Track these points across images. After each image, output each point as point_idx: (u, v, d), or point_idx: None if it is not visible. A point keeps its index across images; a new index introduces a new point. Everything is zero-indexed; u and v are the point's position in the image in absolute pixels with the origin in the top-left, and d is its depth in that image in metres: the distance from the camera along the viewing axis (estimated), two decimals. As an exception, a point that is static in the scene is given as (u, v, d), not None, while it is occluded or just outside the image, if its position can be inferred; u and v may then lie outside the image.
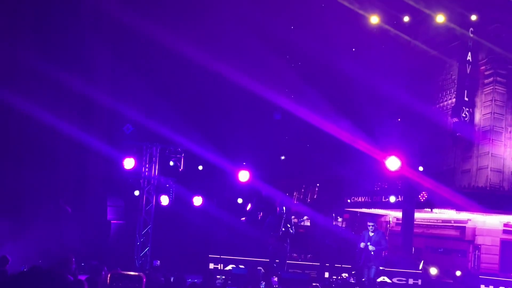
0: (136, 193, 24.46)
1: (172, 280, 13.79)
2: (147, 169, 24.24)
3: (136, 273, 8.20)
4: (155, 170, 24.44)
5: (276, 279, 19.37)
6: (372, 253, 19.78)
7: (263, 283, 15.27)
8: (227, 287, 13.58)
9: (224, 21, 27.53)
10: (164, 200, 24.24)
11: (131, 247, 24.04)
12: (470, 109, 33.81)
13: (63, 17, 23.28)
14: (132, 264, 23.03)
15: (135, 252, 23.87)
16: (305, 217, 35.55)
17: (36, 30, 22.60)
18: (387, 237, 27.87)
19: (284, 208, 22.28)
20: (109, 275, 8.06)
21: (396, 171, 23.03)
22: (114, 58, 24.56)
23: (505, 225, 31.41)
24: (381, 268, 21.18)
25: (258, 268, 21.71)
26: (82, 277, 11.98)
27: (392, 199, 29.54)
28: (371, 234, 20.16)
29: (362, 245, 20.15)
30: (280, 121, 33.28)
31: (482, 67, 34.22)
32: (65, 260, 12.84)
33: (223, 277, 20.38)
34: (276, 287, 17.99)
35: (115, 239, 25.29)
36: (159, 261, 21.58)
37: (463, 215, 30.95)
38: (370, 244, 20.02)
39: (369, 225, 20.59)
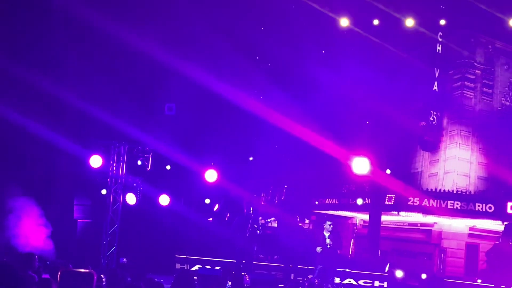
0: (103, 192, 24.32)
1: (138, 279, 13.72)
2: (114, 168, 24.09)
3: (87, 270, 8.07)
4: (123, 169, 24.30)
5: (247, 277, 19.36)
6: (329, 246, 19.69)
7: (229, 283, 15.20)
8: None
9: (192, 22, 27.44)
10: (131, 199, 24.11)
11: (98, 246, 23.88)
12: (438, 113, 34.03)
13: (30, 17, 23.11)
14: (98, 263, 22.90)
15: (101, 251, 23.71)
16: (273, 218, 35.53)
17: (3, 29, 22.40)
18: (351, 239, 28.02)
19: (251, 209, 22.25)
20: (59, 273, 7.94)
21: (363, 174, 23.10)
22: (82, 57, 24.38)
23: (471, 228, 31.62)
24: (338, 269, 21.18)
25: (225, 268, 21.69)
26: (47, 276, 11.88)
27: (359, 201, 29.63)
28: (326, 234, 20.07)
29: (318, 249, 20.08)
30: (249, 122, 33.19)
31: (451, 71, 34.46)
32: (28, 257, 12.67)
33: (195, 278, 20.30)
34: (247, 286, 17.96)
35: (82, 238, 25.15)
36: (125, 259, 21.48)
37: (429, 219, 31.13)
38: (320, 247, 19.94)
39: (327, 224, 20.48)
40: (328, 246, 19.63)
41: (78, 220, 25.90)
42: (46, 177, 24.36)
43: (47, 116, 23.11)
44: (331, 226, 20.33)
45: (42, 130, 22.04)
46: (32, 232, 20.74)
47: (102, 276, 14.57)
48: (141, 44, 24.16)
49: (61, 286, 7.88)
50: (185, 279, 11.85)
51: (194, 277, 19.42)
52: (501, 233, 20.59)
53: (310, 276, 20.65)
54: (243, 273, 20.60)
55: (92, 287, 7.86)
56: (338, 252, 21.18)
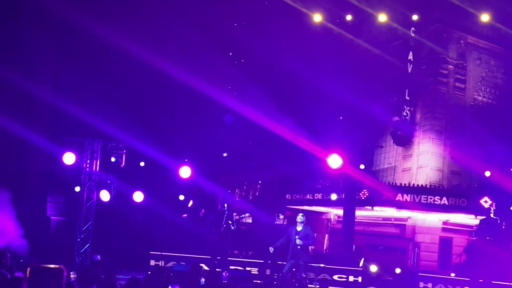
0: (77, 189, 24.15)
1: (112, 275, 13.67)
2: (88, 165, 23.97)
3: (57, 266, 8.03)
4: (97, 166, 24.16)
5: (225, 274, 19.33)
6: (299, 247, 19.61)
7: (203, 280, 15.16)
8: (170, 285, 13.50)
9: (166, 17, 27.37)
10: (105, 196, 24.01)
11: (72, 243, 23.75)
12: (411, 108, 34.21)
13: (2, 12, 22.95)
14: (72, 260, 22.79)
15: (75, 249, 23.59)
16: (247, 214, 35.58)
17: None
18: (326, 234, 28.08)
19: (226, 205, 22.21)
20: (28, 269, 7.89)
21: (337, 169, 23.14)
22: (55, 53, 24.23)
23: (444, 223, 31.80)
24: (312, 264, 21.17)
25: (200, 264, 21.65)
26: (20, 274, 11.79)
27: (334, 196, 29.68)
28: (298, 228, 19.95)
29: (270, 249, 19.99)
30: (223, 118, 33.22)
31: (423, 66, 34.65)
32: (0, 255, 12.57)
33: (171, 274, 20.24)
34: (225, 282, 17.93)
35: (55, 235, 24.99)
36: (99, 256, 21.39)
37: (403, 213, 31.27)
38: (298, 238, 19.81)
39: (300, 215, 20.34)
40: (299, 247, 19.56)
41: (52, 217, 25.73)
42: (19, 174, 24.18)
43: (20, 112, 22.96)
44: (303, 217, 20.22)
45: (14, 127, 21.88)
46: (4, 229, 20.62)
47: (71, 273, 14.51)
48: (115, 40, 24.05)
49: (31, 281, 7.84)
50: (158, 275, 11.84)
51: (170, 274, 19.47)
52: (475, 228, 20.67)
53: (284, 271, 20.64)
54: (218, 269, 20.61)
55: (62, 283, 7.82)
56: (310, 248, 21.13)
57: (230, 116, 26.24)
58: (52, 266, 7.94)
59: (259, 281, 18.55)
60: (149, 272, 15.41)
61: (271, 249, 19.90)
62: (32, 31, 23.84)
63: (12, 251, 17.05)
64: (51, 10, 23.11)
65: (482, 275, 19.49)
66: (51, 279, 7.76)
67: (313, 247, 22.82)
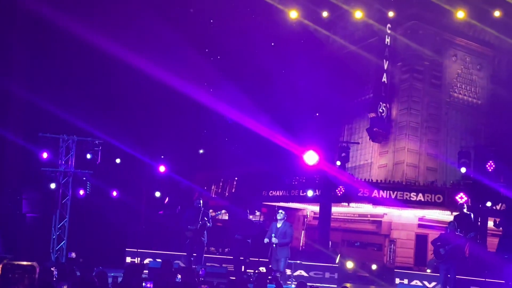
0: (52, 186, 23.99)
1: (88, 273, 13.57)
2: (63, 162, 23.83)
3: (30, 263, 7.95)
4: (72, 163, 24.03)
5: (202, 271, 19.25)
6: (274, 245, 19.61)
7: (179, 276, 15.10)
8: (144, 282, 13.42)
9: (142, 14, 27.29)
10: (81, 193, 23.91)
11: (47, 240, 23.62)
12: (387, 105, 34.27)
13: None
14: (48, 257, 22.65)
15: (51, 246, 23.46)
16: (223, 211, 35.52)
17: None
18: (302, 230, 28.06)
19: (201, 201, 22.17)
20: (0, 266, 7.80)
21: (313, 166, 23.14)
22: (30, 50, 24.14)
23: (420, 219, 31.86)
24: (289, 260, 21.14)
25: (176, 261, 21.60)
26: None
27: (310, 193, 29.65)
28: (278, 225, 19.92)
29: (266, 240, 19.94)
30: (198, 115, 33.17)
31: (399, 63, 34.74)
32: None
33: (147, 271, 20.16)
34: (202, 279, 17.86)
35: (31, 232, 24.84)
36: (74, 253, 21.27)
37: (379, 210, 31.31)
38: (275, 236, 19.80)
39: (280, 213, 20.31)
40: (274, 245, 19.56)
41: (27, 214, 25.60)
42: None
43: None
44: (282, 214, 20.19)
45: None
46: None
47: (53, 269, 14.37)
48: (90, 37, 23.95)
49: (3, 278, 7.75)
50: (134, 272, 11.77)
51: (145, 271, 19.40)
52: (448, 224, 20.73)
53: (261, 268, 20.58)
54: (194, 266, 20.56)
55: (35, 279, 7.75)
56: (289, 244, 21.09)
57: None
58: (25, 263, 7.86)
59: (236, 278, 18.55)
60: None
61: (266, 240, 19.85)
62: (5, 28, 23.69)
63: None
64: (25, 7, 22.98)
65: (448, 269, 19.56)
66: (24, 275, 7.70)
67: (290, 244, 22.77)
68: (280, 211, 20.36)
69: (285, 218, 20.26)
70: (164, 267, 15.27)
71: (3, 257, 17.94)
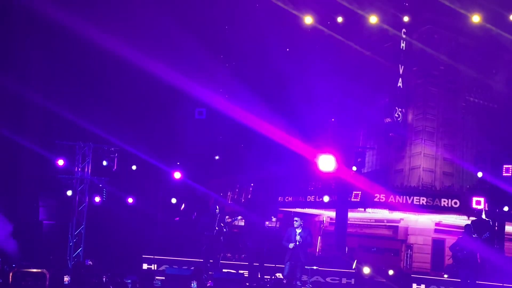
0: (69, 193, 24.11)
1: (104, 280, 13.63)
2: (80, 169, 23.94)
3: (40, 270, 8.00)
4: (88, 170, 24.14)
5: (210, 283, 19.19)
6: (298, 243, 19.42)
7: (195, 283, 15.14)
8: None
9: (158, 20, 27.33)
10: (97, 200, 24.01)
11: (64, 247, 23.71)
12: (403, 109, 34.18)
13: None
14: (65, 265, 22.71)
15: (67, 253, 23.54)
16: (239, 217, 35.53)
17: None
18: (318, 236, 28.01)
19: (218, 207, 22.16)
20: (11, 274, 7.85)
21: (330, 171, 23.11)
22: (47, 57, 24.20)
23: (437, 224, 31.79)
24: (306, 267, 21.08)
25: (192, 268, 21.62)
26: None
27: (326, 198, 29.66)
28: (298, 231, 19.76)
29: (291, 245, 19.74)
30: (214, 121, 33.16)
31: (415, 68, 34.64)
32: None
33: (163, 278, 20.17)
34: (209, 286, 17.87)
35: (48, 239, 24.91)
36: (91, 261, 21.29)
37: (395, 215, 31.26)
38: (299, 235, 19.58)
39: (295, 220, 20.14)
40: (298, 243, 19.40)
41: (44, 221, 25.67)
42: (10, 179, 24.13)
43: (11, 116, 22.93)
44: (298, 221, 20.01)
45: (6, 131, 21.84)
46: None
47: (66, 276, 14.46)
48: (106, 44, 23.99)
49: (14, 286, 7.80)
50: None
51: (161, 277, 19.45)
52: (463, 228, 20.67)
53: (277, 274, 20.56)
54: (210, 272, 20.55)
55: (45, 286, 7.79)
56: (308, 250, 21.01)
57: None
58: (35, 270, 7.90)
59: (253, 284, 18.56)
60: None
61: (291, 245, 19.63)
62: (23, 35, 23.80)
63: (4, 256, 17.01)
64: (42, 15, 23.04)
65: (468, 274, 19.48)
66: (34, 283, 7.73)
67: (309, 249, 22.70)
68: (295, 218, 20.21)
69: (303, 224, 20.14)
70: (195, 274, 15.38)
71: (21, 265, 18.03)
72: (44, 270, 7.95)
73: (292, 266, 19.45)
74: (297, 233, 19.49)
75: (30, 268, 8.58)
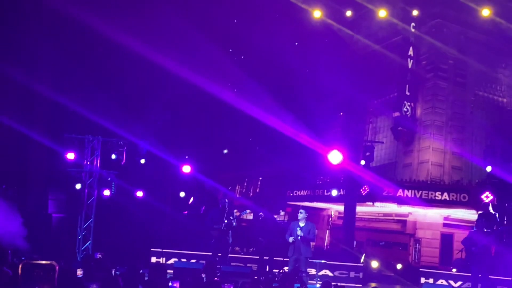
0: (78, 186, 24.16)
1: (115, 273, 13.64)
2: (89, 162, 23.99)
3: (49, 262, 8.00)
4: (97, 163, 24.20)
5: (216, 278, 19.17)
6: (299, 238, 19.37)
7: (204, 276, 15.17)
8: (170, 281, 13.48)
9: (167, 14, 27.32)
10: (106, 193, 24.06)
11: (73, 240, 23.79)
12: (412, 104, 34.15)
13: (2, 9, 22.93)
14: (74, 257, 22.79)
15: (76, 246, 23.61)
16: (248, 211, 35.56)
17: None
18: (327, 230, 27.99)
19: (226, 201, 22.17)
20: (20, 266, 7.86)
21: (338, 165, 23.08)
22: (56, 50, 24.19)
23: (446, 218, 31.75)
24: (313, 260, 21.08)
25: (201, 261, 21.65)
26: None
27: (334, 192, 29.66)
28: (301, 224, 19.65)
29: (291, 239, 19.68)
30: (223, 115, 33.19)
31: (424, 62, 34.60)
32: (1, 253, 12.51)
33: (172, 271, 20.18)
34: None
35: (57, 232, 24.99)
36: (100, 254, 21.34)
37: (404, 209, 31.21)
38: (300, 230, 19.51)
39: (300, 212, 20.06)
40: (299, 237, 19.35)
41: (53, 214, 25.74)
42: (20, 172, 24.21)
43: (21, 110, 22.99)
44: (303, 214, 19.92)
45: (15, 124, 21.89)
46: (6, 227, 20.56)
47: (79, 270, 14.50)
48: (115, 37, 24.00)
49: (23, 278, 7.81)
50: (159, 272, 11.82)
51: (170, 270, 19.46)
52: (475, 222, 20.69)
53: (286, 268, 20.54)
54: (219, 266, 20.58)
55: (54, 278, 7.80)
56: (312, 243, 20.98)
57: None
58: (44, 262, 7.91)
59: (261, 278, 18.53)
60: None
61: (291, 239, 19.61)
62: (32, 28, 23.84)
63: (14, 249, 17.05)
64: (51, 7, 23.07)
65: (480, 268, 19.46)
66: (43, 274, 7.74)
67: (313, 243, 22.69)
68: (300, 210, 20.16)
69: (306, 216, 20.07)
70: (208, 268, 15.41)
71: (31, 257, 18.07)
72: (54, 262, 7.96)
73: (295, 260, 19.45)
74: (300, 227, 19.45)
75: (39, 260, 8.59)
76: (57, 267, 7.85)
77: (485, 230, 20.03)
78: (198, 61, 28.56)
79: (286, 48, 32.79)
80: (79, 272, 14.69)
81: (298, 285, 15.69)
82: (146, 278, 13.44)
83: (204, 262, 21.80)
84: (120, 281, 10.90)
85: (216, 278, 17.83)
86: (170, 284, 12.56)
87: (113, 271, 14.83)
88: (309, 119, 32.19)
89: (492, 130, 33.97)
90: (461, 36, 34.42)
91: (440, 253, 31.62)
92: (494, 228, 21.93)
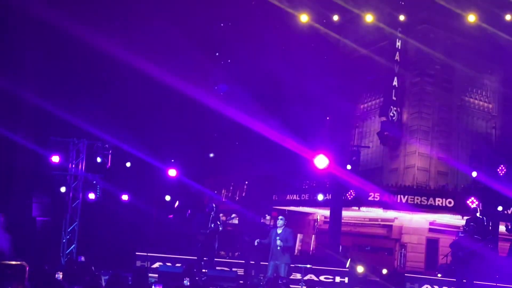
0: (63, 189, 24.04)
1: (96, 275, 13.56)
2: (74, 166, 23.87)
3: (19, 262, 7.94)
4: (82, 166, 24.07)
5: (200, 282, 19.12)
6: (279, 248, 19.33)
7: (187, 280, 15.08)
8: (154, 285, 13.41)
9: (151, 19, 27.27)
10: (91, 196, 23.95)
11: (57, 244, 23.65)
12: (398, 109, 34.25)
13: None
14: (58, 261, 22.66)
15: (61, 249, 23.49)
16: (234, 215, 35.51)
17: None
18: (312, 234, 27.94)
19: (214, 206, 22.14)
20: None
21: (324, 169, 23.06)
22: (40, 55, 24.10)
23: (431, 223, 31.83)
24: (299, 265, 21.07)
25: (188, 265, 21.58)
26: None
27: (320, 197, 29.67)
28: (279, 231, 19.59)
29: (256, 242, 19.66)
30: (209, 119, 33.13)
31: (410, 67, 34.69)
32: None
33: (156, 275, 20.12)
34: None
35: (41, 236, 24.85)
36: (83, 257, 21.23)
37: (390, 214, 31.28)
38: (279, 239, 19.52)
39: (279, 218, 19.97)
40: (278, 248, 19.30)
41: (37, 218, 25.59)
42: (4, 175, 24.05)
43: (5, 113, 22.83)
44: (282, 221, 19.86)
45: (-1, 128, 21.77)
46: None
47: (58, 272, 14.42)
48: (99, 42, 23.91)
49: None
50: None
51: (154, 275, 19.40)
52: (461, 228, 20.74)
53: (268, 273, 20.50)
54: (204, 270, 20.53)
55: (24, 279, 7.74)
56: (296, 250, 20.95)
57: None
58: (14, 262, 7.85)
59: (247, 282, 18.51)
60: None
61: (256, 242, 19.61)
62: (17, 33, 23.72)
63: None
64: (36, 13, 22.99)
65: (465, 274, 19.51)
66: (13, 275, 7.68)
67: (298, 247, 22.68)
68: (280, 217, 20.10)
69: (285, 224, 19.97)
70: (187, 271, 15.33)
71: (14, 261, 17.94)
72: (24, 263, 7.90)
73: (274, 265, 19.40)
74: (277, 234, 19.38)
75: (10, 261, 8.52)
76: (27, 268, 7.79)
77: (475, 236, 20.03)
78: (184, 65, 28.50)
79: (272, 52, 32.78)
80: (59, 275, 14.59)
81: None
82: (130, 283, 13.38)
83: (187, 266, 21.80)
84: (102, 283, 10.85)
85: (197, 278, 17.80)
86: (153, 287, 12.50)
87: (96, 274, 14.73)
88: (296, 123, 32.17)
89: (478, 136, 34.11)
90: (447, 41, 34.54)
91: (425, 258, 31.69)
92: (490, 236, 22.01)
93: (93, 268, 15.12)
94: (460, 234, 21.10)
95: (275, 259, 19.36)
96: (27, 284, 7.86)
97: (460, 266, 19.71)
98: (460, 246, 19.68)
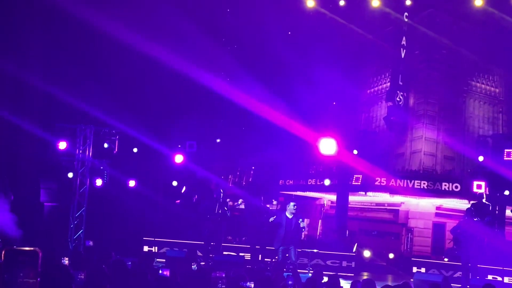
0: (70, 175, 24.13)
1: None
2: (81, 151, 23.93)
3: (32, 248, 7.99)
4: (89, 152, 24.13)
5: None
6: (304, 230, 19.38)
7: (195, 265, 15.17)
8: (161, 269, 13.46)
9: (158, 3, 27.26)
10: (98, 182, 24.02)
11: (65, 229, 23.75)
12: (404, 93, 34.16)
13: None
14: (66, 246, 22.77)
15: (68, 235, 23.58)
16: (240, 200, 35.56)
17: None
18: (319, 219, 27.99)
19: (221, 191, 22.19)
20: (3, 252, 7.84)
21: (331, 155, 23.09)
22: (47, 41, 24.11)
23: (438, 208, 31.79)
24: (306, 249, 21.17)
25: (190, 250, 21.65)
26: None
27: (327, 182, 29.63)
28: (289, 216, 19.63)
29: (271, 219, 19.64)
30: (216, 104, 33.16)
31: (417, 52, 34.58)
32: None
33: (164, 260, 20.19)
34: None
35: (49, 221, 24.95)
36: (91, 242, 21.31)
37: (396, 198, 31.25)
38: (300, 223, 19.51)
39: (291, 205, 19.96)
40: (304, 230, 19.41)
41: (45, 203, 25.69)
42: (12, 161, 24.13)
43: (12, 99, 22.89)
44: (295, 207, 19.92)
45: (6, 114, 21.80)
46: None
47: (65, 257, 14.49)
48: (106, 27, 23.91)
49: (6, 264, 7.80)
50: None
51: (162, 259, 19.47)
52: (465, 212, 20.71)
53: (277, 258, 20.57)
54: (211, 255, 20.62)
55: (37, 265, 7.78)
56: (303, 234, 20.99)
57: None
58: (27, 248, 7.89)
59: (253, 267, 18.57)
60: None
61: (271, 219, 19.64)
62: (23, 18, 23.73)
63: (4, 237, 17.02)
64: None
65: (468, 257, 19.54)
66: (26, 261, 7.73)
67: (306, 233, 22.72)
68: (292, 203, 20.10)
69: (296, 210, 19.97)
70: (189, 256, 15.40)
71: (22, 246, 18.03)
72: (37, 249, 7.95)
73: (285, 250, 19.45)
74: (290, 220, 19.41)
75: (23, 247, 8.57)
76: (40, 254, 7.84)
77: (475, 219, 20.04)
78: (190, 51, 28.50)
79: (279, 38, 32.75)
80: (66, 261, 14.65)
81: (290, 273, 15.69)
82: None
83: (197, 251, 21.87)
84: (106, 271, 10.89)
85: (202, 263, 17.89)
86: (160, 272, 12.56)
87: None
88: (302, 108, 32.16)
89: (484, 120, 34.07)
90: (454, 26, 34.43)
91: (432, 242, 31.69)
92: (489, 217, 21.98)
93: (113, 253, 15.11)
94: (461, 219, 21.11)
95: (288, 243, 19.39)
96: (40, 269, 7.93)
97: (462, 249, 19.77)
98: (461, 230, 19.72)
